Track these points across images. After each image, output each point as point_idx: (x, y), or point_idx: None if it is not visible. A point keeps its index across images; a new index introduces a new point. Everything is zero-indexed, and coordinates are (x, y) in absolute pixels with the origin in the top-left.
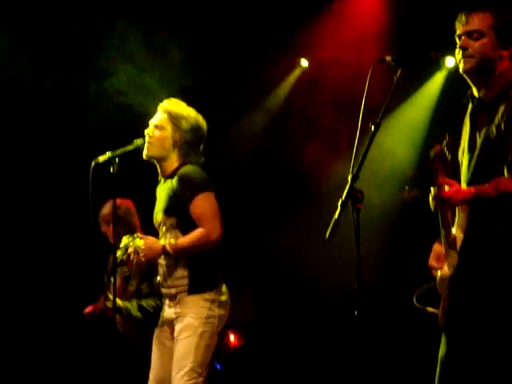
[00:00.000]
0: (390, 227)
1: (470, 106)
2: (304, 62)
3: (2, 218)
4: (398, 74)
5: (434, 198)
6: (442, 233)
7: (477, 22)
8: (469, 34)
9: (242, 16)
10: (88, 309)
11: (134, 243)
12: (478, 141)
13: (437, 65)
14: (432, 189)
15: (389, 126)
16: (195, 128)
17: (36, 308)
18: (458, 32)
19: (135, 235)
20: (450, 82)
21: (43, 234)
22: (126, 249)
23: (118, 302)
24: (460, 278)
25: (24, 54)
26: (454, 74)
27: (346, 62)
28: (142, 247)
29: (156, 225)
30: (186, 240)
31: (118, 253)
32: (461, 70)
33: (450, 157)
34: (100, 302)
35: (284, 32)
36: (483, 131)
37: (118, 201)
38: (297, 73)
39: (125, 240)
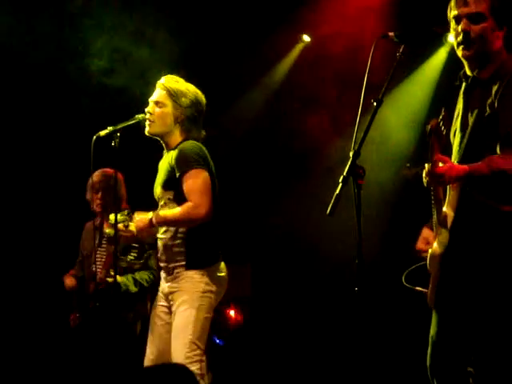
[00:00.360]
0: (391, 203)
1: (464, 85)
2: (306, 38)
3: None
4: (401, 49)
5: (428, 174)
6: (434, 210)
7: (476, 3)
8: (469, 17)
9: None
10: (73, 317)
11: (127, 222)
12: (471, 119)
13: (440, 40)
14: (426, 165)
15: (391, 103)
16: (195, 103)
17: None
18: (454, 12)
19: (130, 214)
20: (453, 57)
21: (45, 210)
22: (115, 225)
23: (117, 277)
24: (450, 256)
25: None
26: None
27: (349, 38)
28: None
29: (156, 198)
30: (171, 212)
31: (107, 230)
32: (460, 54)
33: (445, 132)
34: (76, 272)
35: (286, 7)
36: (476, 110)
37: (110, 170)
38: (299, 48)
39: (120, 217)
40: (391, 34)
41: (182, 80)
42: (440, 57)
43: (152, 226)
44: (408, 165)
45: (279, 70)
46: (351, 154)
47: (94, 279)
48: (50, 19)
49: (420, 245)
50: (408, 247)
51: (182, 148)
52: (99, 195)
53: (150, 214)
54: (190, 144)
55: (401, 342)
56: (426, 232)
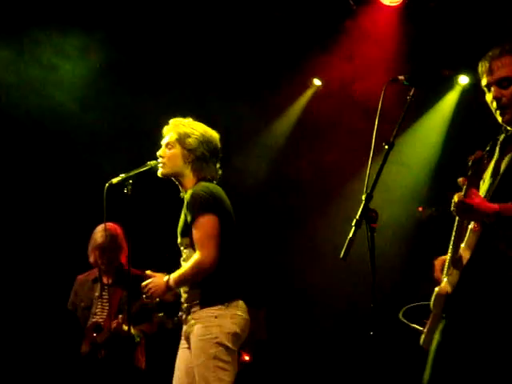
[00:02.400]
0: (405, 245)
1: (502, 136)
2: (317, 82)
3: (19, 237)
4: (412, 92)
5: (460, 202)
6: (450, 248)
7: (502, 69)
8: (498, 83)
9: (253, 35)
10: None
11: None
12: (503, 167)
13: (450, 83)
14: (457, 194)
15: (403, 145)
16: (203, 142)
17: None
18: (484, 82)
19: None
20: (464, 99)
21: (59, 257)
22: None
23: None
24: (457, 298)
25: None
26: (466, 92)
27: (359, 81)
28: (149, 287)
29: (178, 244)
30: (180, 272)
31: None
32: (500, 121)
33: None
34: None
35: (297, 52)
36: (509, 159)
37: (111, 226)
38: (309, 93)
39: None
40: (401, 77)
41: (189, 121)
42: (451, 98)
43: (170, 290)
44: (421, 207)
45: (291, 115)
46: (363, 197)
47: (97, 330)
48: None
49: (439, 274)
50: (422, 287)
51: (194, 192)
52: (106, 255)
53: (165, 278)
54: (200, 187)
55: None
56: (440, 261)
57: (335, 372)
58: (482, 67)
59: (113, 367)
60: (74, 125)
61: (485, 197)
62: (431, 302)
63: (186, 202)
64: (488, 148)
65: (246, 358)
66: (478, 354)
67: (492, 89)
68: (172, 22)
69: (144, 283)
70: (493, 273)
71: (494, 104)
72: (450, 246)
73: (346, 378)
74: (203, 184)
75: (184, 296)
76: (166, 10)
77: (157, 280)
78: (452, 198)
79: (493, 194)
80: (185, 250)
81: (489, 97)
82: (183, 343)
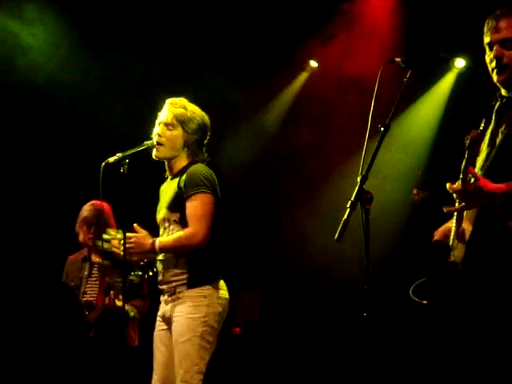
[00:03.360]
0: (399, 228)
1: (497, 104)
2: (313, 63)
3: (11, 219)
4: (408, 74)
5: (464, 189)
6: (454, 223)
7: (508, 29)
8: (501, 43)
9: (248, 18)
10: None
11: (118, 236)
12: (499, 137)
13: (446, 65)
14: (458, 182)
15: (399, 127)
16: (202, 127)
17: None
18: (487, 39)
19: (119, 230)
20: (460, 82)
21: (52, 235)
22: (108, 241)
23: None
24: (466, 271)
25: None
26: (463, 75)
27: (356, 63)
28: (131, 240)
29: (158, 221)
30: (169, 239)
31: (105, 245)
32: (495, 80)
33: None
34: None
35: (293, 34)
36: (506, 128)
37: (99, 203)
38: (306, 75)
39: (112, 232)
40: (398, 59)
41: (187, 103)
42: (447, 81)
43: (152, 252)
44: (415, 190)
45: (287, 96)
46: (359, 178)
47: (89, 308)
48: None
49: (439, 235)
50: (416, 270)
51: (193, 171)
52: (92, 230)
53: (149, 239)
54: (201, 167)
55: (408, 367)
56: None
57: (328, 354)
58: (489, 24)
59: (105, 345)
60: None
61: (481, 167)
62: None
63: (183, 179)
64: (482, 125)
65: (237, 330)
66: (490, 324)
67: (494, 47)
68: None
69: (128, 235)
70: (495, 243)
71: (494, 63)
72: (454, 219)
73: (338, 359)
74: (202, 165)
75: (168, 275)
76: None
77: (142, 237)
78: (446, 184)
79: (489, 167)
80: (171, 226)
81: (489, 55)
82: (161, 324)
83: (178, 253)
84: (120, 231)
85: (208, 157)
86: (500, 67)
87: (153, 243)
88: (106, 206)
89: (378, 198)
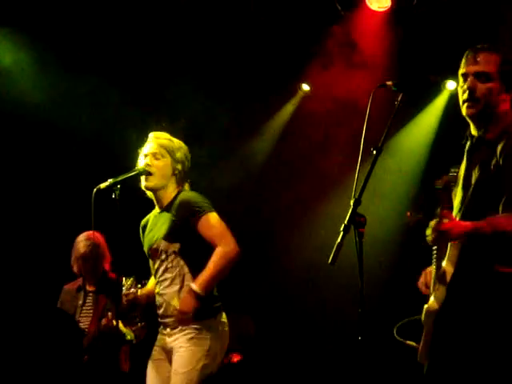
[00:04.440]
0: (393, 251)
1: (468, 144)
2: (305, 87)
3: (6, 245)
4: (399, 98)
5: (434, 231)
6: (434, 265)
7: (485, 63)
8: (477, 75)
9: (240, 41)
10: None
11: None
12: (474, 178)
13: (437, 88)
14: (431, 222)
15: (391, 150)
16: (186, 156)
17: None
18: (463, 70)
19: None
20: (452, 104)
21: (46, 260)
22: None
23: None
24: (446, 313)
25: None
26: (455, 97)
27: (346, 87)
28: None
29: (150, 252)
30: (206, 273)
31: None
32: (464, 113)
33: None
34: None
35: (284, 58)
36: (479, 169)
37: (92, 235)
38: (298, 98)
39: (127, 282)
40: (389, 83)
41: (169, 135)
42: (438, 104)
43: (199, 298)
44: (409, 213)
45: (279, 120)
46: (352, 202)
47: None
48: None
49: (420, 285)
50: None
51: (187, 198)
52: (89, 264)
53: (192, 294)
54: (192, 193)
55: None
56: (425, 274)
57: (323, 377)
58: (467, 56)
59: (97, 371)
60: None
61: (459, 210)
62: (422, 318)
63: (176, 210)
64: (455, 170)
65: (235, 359)
66: (471, 366)
67: (468, 79)
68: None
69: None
70: (476, 285)
71: (466, 95)
72: (433, 261)
73: (333, 380)
74: (189, 192)
75: (170, 309)
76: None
77: (186, 299)
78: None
79: (466, 207)
80: (169, 258)
81: (462, 86)
82: (158, 355)
83: (221, 276)
84: (129, 279)
85: (190, 182)
86: (472, 100)
87: (193, 292)
88: (100, 237)
89: (371, 219)
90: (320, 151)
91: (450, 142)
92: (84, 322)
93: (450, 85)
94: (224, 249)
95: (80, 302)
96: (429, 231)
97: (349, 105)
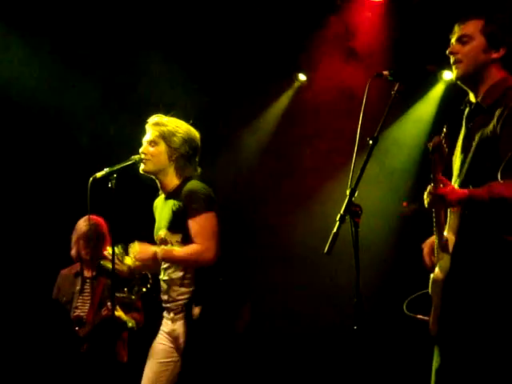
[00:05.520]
0: (390, 240)
1: (467, 110)
2: (302, 77)
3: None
4: (396, 88)
5: (430, 194)
6: (435, 234)
7: (465, 27)
8: (458, 39)
9: (237, 31)
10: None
11: (122, 255)
12: (473, 144)
13: (434, 78)
14: (429, 186)
15: (387, 140)
16: (187, 140)
17: None
18: (452, 40)
19: (124, 247)
20: (448, 94)
21: (42, 249)
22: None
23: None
24: (452, 281)
25: None
26: (451, 87)
27: (343, 77)
28: (135, 247)
29: (157, 241)
30: (178, 250)
31: (103, 262)
32: (454, 78)
33: (447, 152)
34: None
35: (281, 47)
36: (478, 135)
37: (96, 218)
38: (294, 88)
39: (110, 250)
40: (386, 72)
41: (172, 119)
42: (435, 94)
43: (155, 258)
44: (405, 202)
45: (275, 109)
46: (348, 192)
47: (79, 324)
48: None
49: (427, 257)
50: (407, 282)
51: (192, 189)
52: (90, 246)
53: (153, 247)
54: (197, 184)
55: (402, 379)
56: (427, 245)
57: (318, 368)
58: (455, 28)
59: (95, 361)
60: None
61: (458, 176)
62: (429, 289)
63: (180, 200)
64: (444, 130)
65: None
66: (481, 333)
67: (451, 43)
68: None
69: (133, 243)
70: (479, 251)
71: (451, 60)
72: (434, 230)
73: (329, 373)
74: (198, 182)
75: (174, 294)
76: None
77: (145, 245)
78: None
79: (466, 173)
80: (176, 247)
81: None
82: (163, 339)
83: (181, 265)
84: (119, 246)
85: (199, 170)
86: (455, 62)
87: (155, 251)
88: (102, 221)
89: (367, 209)
90: (315, 141)
91: (457, 116)
92: (82, 309)
93: (447, 75)
94: (202, 248)
95: (78, 288)
96: (426, 195)
97: (345, 95)
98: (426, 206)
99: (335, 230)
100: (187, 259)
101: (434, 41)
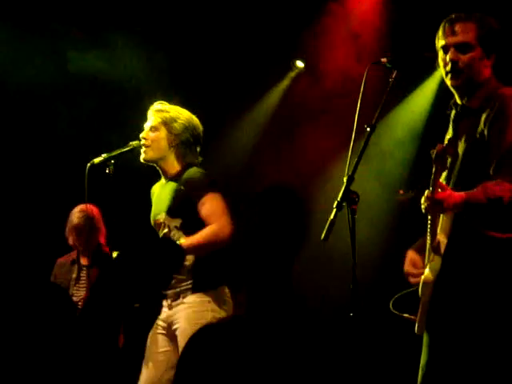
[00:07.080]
0: (386, 228)
1: (453, 113)
2: (300, 63)
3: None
4: (394, 75)
5: (428, 199)
6: (428, 236)
7: (464, 33)
8: (457, 46)
9: (235, 18)
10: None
11: None
12: (461, 147)
13: (432, 65)
14: (426, 191)
15: (385, 128)
16: (188, 128)
17: None
18: (442, 42)
19: None
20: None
21: (38, 236)
22: None
23: None
24: (442, 284)
25: None
26: None
27: (341, 64)
28: None
29: (155, 225)
30: (197, 237)
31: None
32: (449, 84)
33: (449, 158)
34: None
35: (279, 34)
36: (466, 138)
37: (89, 208)
38: (292, 75)
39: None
40: (384, 59)
41: (174, 106)
42: (433, 81)
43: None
44: (401, 191)
45: (273, 96)
46: (345, 179)
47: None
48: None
49: (408, 268)
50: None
51: (193, 175)
52: (83, 237)
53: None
54: (199, 170)
55: (397, 368)
56: (411, 255)
57: (315, 353)
58: (444, 27)
59: (92, 346)
60: None
61: (447, 182)
62: (419, 290)
63: (181, 185)
64: (448, 137)
65: None
66: (471, 333)
67: (450, 50)
68: None
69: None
70: (471, 252)
71: (448, 67)
72: (428, 232)
73: (325, 359)
74: (197, 169)
75: (172, 280)
76: None
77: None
78: (422, 195)
79: (457, 177)
80: (172, 232)
81: (443, 58)
82: (160, 328)
83: (204, 250)
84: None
85: (200, 159)
86: (455, 71)
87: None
88: (95, 210)
89: (364, 196)
90: (312, 129)
91: (444, 120)
92: (78, 296)
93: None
94: (218, 227)
95: (74, 276)
96: (423, 200)
97: (343, 82)
98: (423, 211)
99: (332, 216)
100: (208, 241)
101: (433, 28)
